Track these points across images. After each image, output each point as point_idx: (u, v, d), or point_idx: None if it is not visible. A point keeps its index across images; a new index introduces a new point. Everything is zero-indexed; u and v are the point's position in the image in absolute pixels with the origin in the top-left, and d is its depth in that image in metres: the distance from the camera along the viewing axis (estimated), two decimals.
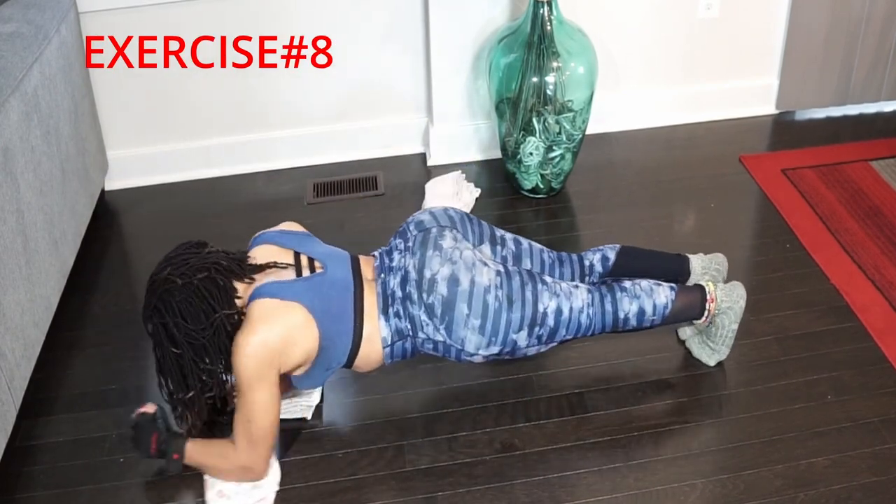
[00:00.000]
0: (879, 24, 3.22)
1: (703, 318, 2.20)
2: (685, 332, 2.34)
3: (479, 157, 3.23)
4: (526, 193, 3.02)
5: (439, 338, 2.02)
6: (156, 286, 1.95)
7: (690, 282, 2.33)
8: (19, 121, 2.21)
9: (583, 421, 2.16)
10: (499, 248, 2.20)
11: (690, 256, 2.36)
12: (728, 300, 2.19)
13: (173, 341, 1.94)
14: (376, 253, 2.16)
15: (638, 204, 2.94)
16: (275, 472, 2.05)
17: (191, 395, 1.97)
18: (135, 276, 2.76)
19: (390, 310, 2.03)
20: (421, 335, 2.03)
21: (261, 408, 1.92)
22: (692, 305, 2.17)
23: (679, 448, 2.08)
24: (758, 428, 2.12)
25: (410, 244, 2.09)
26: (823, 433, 2.10)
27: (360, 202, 3.04)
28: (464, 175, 3.05)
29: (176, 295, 1.92)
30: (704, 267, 2.34)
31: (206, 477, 2.04)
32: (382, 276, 2.07)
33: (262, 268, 2.02)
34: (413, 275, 2.02)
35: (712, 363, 2.28)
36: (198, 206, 3.07)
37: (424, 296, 2.00)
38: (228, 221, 2.97)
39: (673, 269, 2.32)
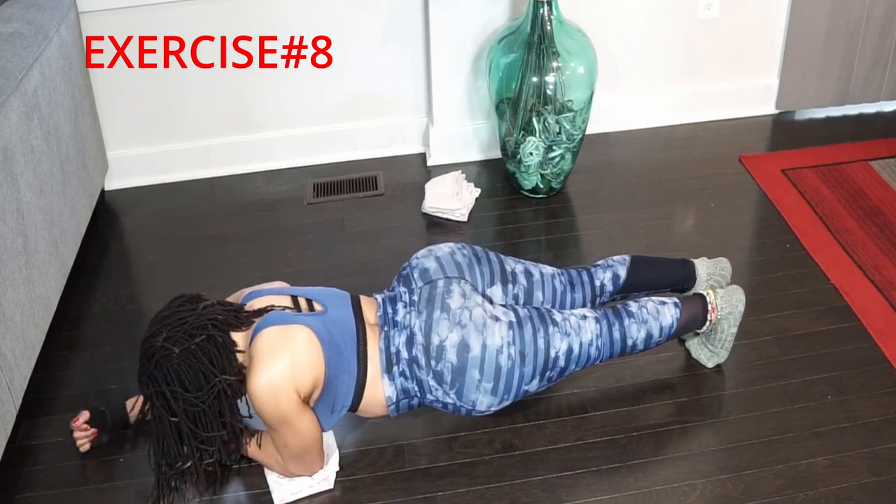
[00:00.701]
0: (879, 24, 3.22)
1: (705, 328, 2.20)
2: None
3: (479, 157, 3.23)
4: (526, 193, 3.02)
5: (449, 400, 1.97)
6: (151, 353, 1.85)
7: (696, 288, 2.33)
8: (19, 121, 2.21)
9: (583, 421, 2.16)
10: (510, 286, 2.12)
11: (696, 262, 2.34)
12: (728, 306, 2.18)
13: (170, 410, 1.84)
14: (378, 297, 2.07)
15: (638, 204, 2.94)
16: (334, 454, 2.05)
17: (189, 464, 1.89)
18: (135, 276, 2.76)
19: (395, 369, 1.96)
20: (429, 397, 1.98)
21: (297, 436, 1.89)
22: (695, 318, 2.16)
23: (679, 448, 2.08)
24: (758, 428, 2.12)
25: (416, 298, 2.01)
26: (823, 433, 2.10)
27: (360, 202, 3.04)
28: (464, 175, 3.05)
29: (173, 361, 1.82)
30: (710, 273, 2.33)
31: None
32: (386, 329, 1.99)
33: (260, 312, 1.94)
34: (420, 338, 1.95)
35: (710, 365, 2.28)
36: (198, 206, 3.07)
37: (433, 363, 1.94)
38: (228, 221, 2.97)
39: (680, 277, 2.31)
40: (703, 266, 2.34)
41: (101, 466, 2.11)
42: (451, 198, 2.92)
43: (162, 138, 3.15)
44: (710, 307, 2.17)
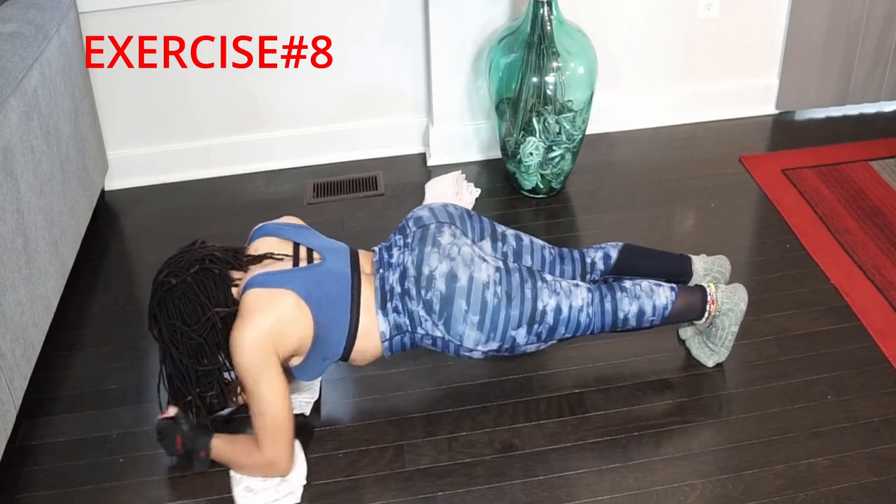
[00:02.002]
0: (879, 24, 3.22)
1: (704, 319, 2.20)
2: (686, 331, 2.34)
3: (479, 157, 3.23)
4: (526, 193, 3.02)
5: (438, 333, 2.02)
6: (154, 290, 1.99)
7: (692, 283, 2.33)
8: (19, 121, 2.21)
9: (583, 421, 2.16)
10: (499, 244, 2.19)
11: (693, 257, 2.35)
12: (729, 302, 2.18)
13: (173, 343, 1.96)
14: (376, 248, 2.17)
15: (638, 204, 2.94)
16: (301, 467, 2.04)
17: (189, 398, 2.00)
18: (135, 276, 2.76)
19: (388, 305, 2.04)
20: (420, 330, 2.03)
21: (270, 399, 1.92)
22: (693, 306, 2.17)
23: (679, 448, 2.08)
24: (758, 428, 2.12)
25: (409, 240, 2.09)
26: (823, 433, 2.10)
27: (360, 202, 3.04)
28: (464, 175, 3.05)
29: (173, 294, 1.95)
30: (707, 269, 2.34)
31: (232, 473, 2.04)
32: (381, 271, 2.08)
33: (258, 259, 2.04)
34: (411, 271, 2.02)
35: (711, 364, 2.28)
36: (198, 206, 3.07)
37: (423, 292, 2.00)
38: (228, 221, 2.97)
39: (675, 270, 2.32)
40: (700, 262, 2.35)
41: (101, 466, 2.11)
42: (451, 198, 2.92)
43: (162, 138, 3.15)
44: (709, 298, 2.17)
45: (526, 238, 2.25)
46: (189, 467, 2.07)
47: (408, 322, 2.03)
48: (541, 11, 2.71)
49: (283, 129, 3.20)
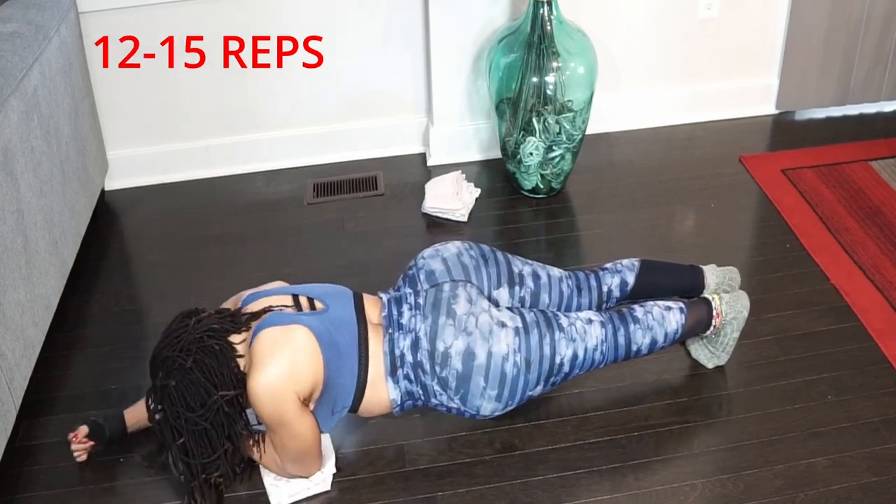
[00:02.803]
0: (879, 24, 3.22)
1: (709, 332, 2.20)
2: None
3: (479, 157, 3.23)
4: (526, 193, 3.02)
5: (454, 405, 1.97)
6: (153, 373, 1.90)
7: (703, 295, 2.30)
8: (19, 121, 2.21)
9: (583, 421, 2.16)
10: (517, 289, 2.11)
11: (705, 270, 2.31)
12: (732, 311, 2.18)
13: (176, 432, 1.88)
14: (383, 296, 2.06)
15: (638, 204, 2.94)
16: (330, 456, 2.04)
17: (194, 482, 1.91)
18: (135, 277, 2.76)
19: (399, 372, 1.95)
20: (434, 401, 1.98)
21: (296, 438, 1.88)
22: (699, 322, 2.16)
23: (679, 448, 2.08)
24: (758, 428, 2.12)
25: (421, 302, 1.99)
26: (823, 433, 2.10)
27: (360, 202, 3.04)
28: (464, 175, 3.05)
29: (173, 382, 1.85)
30: (718, 283, 2.30)
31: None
32: (390, 331, 1.97)
33: (258, 315, 1.94)
34: (425, 344, 1.93)
35: (710, 366, 2.27)
36: (198, 206, 3.07)
37: (437, 369, 1.93)
38: (228, 221, 2.97)
39: (688, 284, 2.29)
40: (712, 275, 2.31)
41: (101, 466, 2.11)
42: (451, 198, 2.92)
43: (162, 138, 3.15)
44: (714, 312, 2.17)
45: (543, 274, 2.16)
46: None
47: (421, 392, 1.97)
48: (541, 11, 2.71)
49: (283, 129, 3.20)
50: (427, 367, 1.93)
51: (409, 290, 2.04)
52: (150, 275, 2.75)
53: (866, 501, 1.93)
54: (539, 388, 2.00)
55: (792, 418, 2.14)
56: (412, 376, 1.95)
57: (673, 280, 2.28)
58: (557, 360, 1.98)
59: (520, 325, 1.97)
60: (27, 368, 2.14)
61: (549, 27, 2.72)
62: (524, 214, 2.94)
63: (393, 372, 1.95)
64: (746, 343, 2.35)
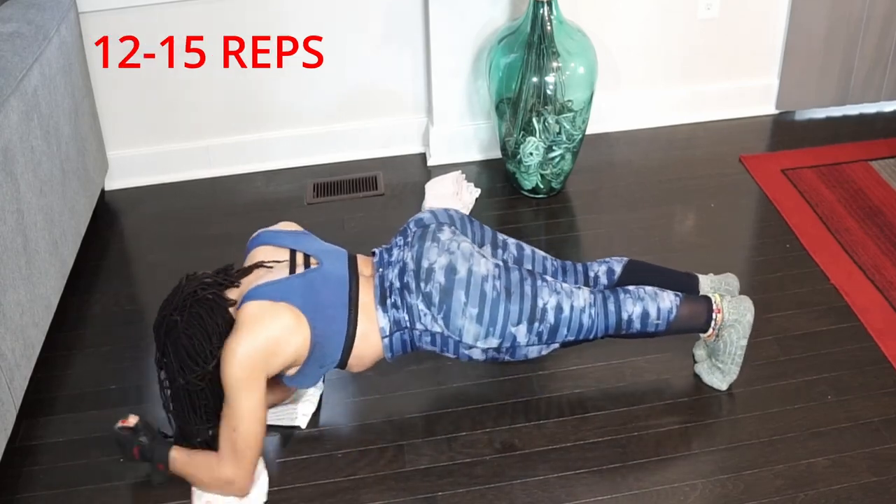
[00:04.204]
0: (879, 24, 3.22)
1: (711, 331, 2.15)
2: (698, 353, 2.29)
3: (479, 157, 3.23)
4: (526, 193, 3.02)
5: (437, 328, 2.00)
6: (156, 336, 1.97)
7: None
8: (19, 121, 2.21)
9: (583, 421, 2.16)
10: (500, 251, 2.18)
11: (700, 276, 2.29)
12: (735, 313, 2.13)
13: (182, 388, 1.95)
14: (376, 250, 2.16)
15: (638, 204, 2.94)
16: (262, 484, 2.02)
17: (199, 440, 1.99)
18: (135, 276, 2.76)
19: (388, 301, 2.03)
20: (419, 325, 2.02)
21: (247, 416, 1.90)
22: (698, 314, 2.12)
23: (679, 448, 2.08)
24: (758, 428, 2.12)
25: (409, 239, 2.09)
26: (823, 433, 2.10)
27: (360, 202, 3.04)
28: (464, 175, 3.05)
29: (171, 337, 1.93)
30: (714, 287, 2.28)
31: (193, 487, 2.01)
32: (381, 270, 2.07)
33: (249, 270, 2.03)
34: (411, 265, 2.02)
35: (724, 387, 2.21)
36: (198, 206, 3.07)
37: (422, 284, 1.99)
38: (228, 221, 2.97)
39: (681, 288, 2.24)
40: (707, 281, 2.28)
41: (102, 466, 2.11)
42: (451, 198, 2.92)
43: (162, 138, 3.15)
44: (715, 307, 2.13)
45: (528, 248, 2.24)
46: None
47: (407, 317, 2.02)
48: (541, 11, 2.71)
49: (283, 129, 3.20)
50: (412, 285, 2.00)
51: (399, 238, 2.15)
52: (150, 275, 2.75)
53: (866, 501, 1.93)
54: (523, 330, 2.00)
55: (792, 418, 2.14)
56: (399, 302, 2.02)
57: (664, 278, 2.25)
58: (540, 304, 2.01)
59: (500, 263, 2.05)
60: (27, 368, 2.14)
61: (549, 27, 2.72)
62: (524, 214, 2.94)
63: (382, 301, 2.03)
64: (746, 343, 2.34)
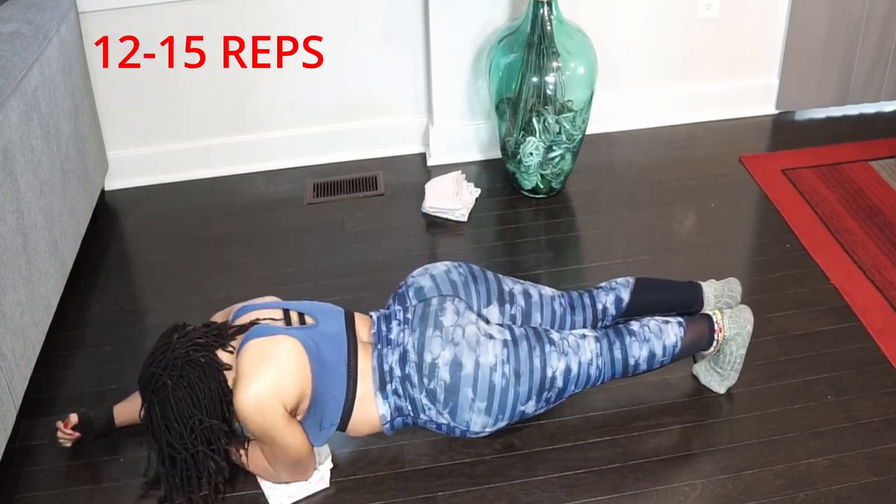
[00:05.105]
0: (879, 24, 3.22)
1: (712, 349, 2.15)
2: (699, 354, 2.26)
3: (479, 157, 3.23)
4: (526, 193, 3.02)
5: (443, 420, 1.96)
6: (143, 397, 1.89)
7: (704, 311, 2.25)
8: (19, 121, 2.21)
9: (583, 421, 2.16)
10: (507, 306, 2.09)
11: (703, 285, 2.27)
12: (736, 327, 2.12)
13: (171, 451, 1.88)
14: (373, 315, 2.08)
15: (638, 204, 2.94)
16: (326, 451, 2.05)
17: (200, 493, 1.93)
18: (135, 277, 2.76)
19: (388, 387, 1.95)
20: (423, 416, 1.97)
21: (286, 450, 1.88)
22: (701, 337, 2.11)
23: (679, 448, 2.08)
24: (758, 428, 2.12)
25: (409, 316, 2.00)
26: (823, 433, 2.10)
27: (360, 202, 3.04)
28: (464, 175, 3.05)
29: (163, 398, 1.85)
30: (718, 296, 2.26)
31: (263, 484, 2.02)
32: (379, 346, 1.98)
33: (244, 328, 1.94)
34: (412, 356, 1.93)
35: (722, 391, 2.21)
36: (198, 206, 3.07)
37: (425, 381, 1.92)
38: (228, 221, 2.97)
39: (686, 300, 2.24)
40: (710, 288, 2.27)
41: (101, 466, 2.11)
42: (451, 198, 2.92)
43: (162, 138, 3.15)
44: (716, 327, 2.12)
45: (535, 293, 2.14)
46: None
47: (409, 407, 1.96)
48: (541, 11, 2.71)
49: (282, 129, 3.20)
50: (415, 379, 1.92)
51: (398, 308, 2.05)
52: (150, 275, 2.75)
53: (866, 501, 1.93)
54: (532, 404, 1.97)
55: (792, 418, 2.14)
56: (401, 391, 1.94)
57: (670, 295, 2.24)
58: (549, 373, 1.96)
59: (508, 337, 1.96)
60: (27, 368, 2.14)
61: (549, 27, 2.72)
62: (524, 214, 2.94)
63: (382, 387, 1.95)
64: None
